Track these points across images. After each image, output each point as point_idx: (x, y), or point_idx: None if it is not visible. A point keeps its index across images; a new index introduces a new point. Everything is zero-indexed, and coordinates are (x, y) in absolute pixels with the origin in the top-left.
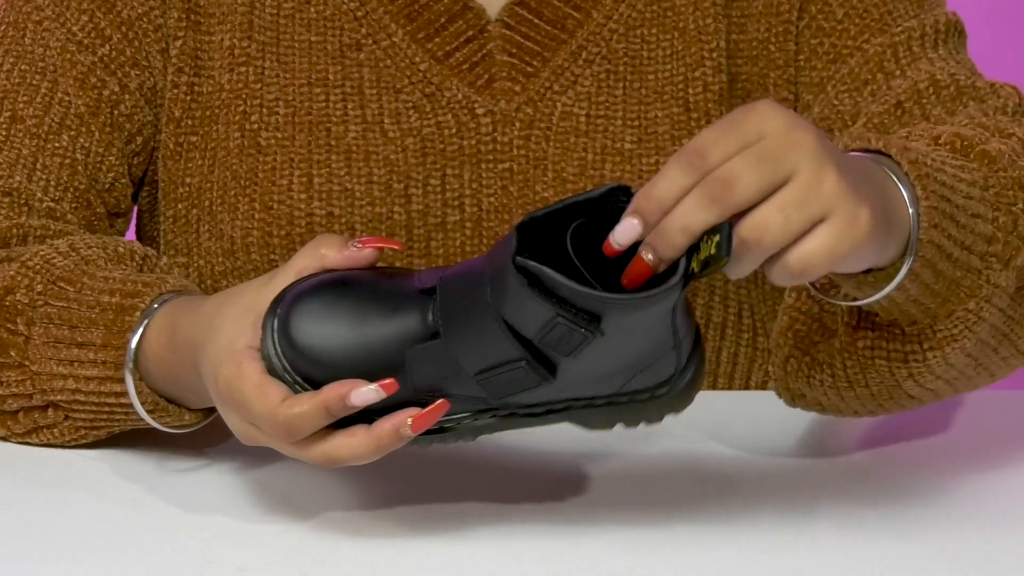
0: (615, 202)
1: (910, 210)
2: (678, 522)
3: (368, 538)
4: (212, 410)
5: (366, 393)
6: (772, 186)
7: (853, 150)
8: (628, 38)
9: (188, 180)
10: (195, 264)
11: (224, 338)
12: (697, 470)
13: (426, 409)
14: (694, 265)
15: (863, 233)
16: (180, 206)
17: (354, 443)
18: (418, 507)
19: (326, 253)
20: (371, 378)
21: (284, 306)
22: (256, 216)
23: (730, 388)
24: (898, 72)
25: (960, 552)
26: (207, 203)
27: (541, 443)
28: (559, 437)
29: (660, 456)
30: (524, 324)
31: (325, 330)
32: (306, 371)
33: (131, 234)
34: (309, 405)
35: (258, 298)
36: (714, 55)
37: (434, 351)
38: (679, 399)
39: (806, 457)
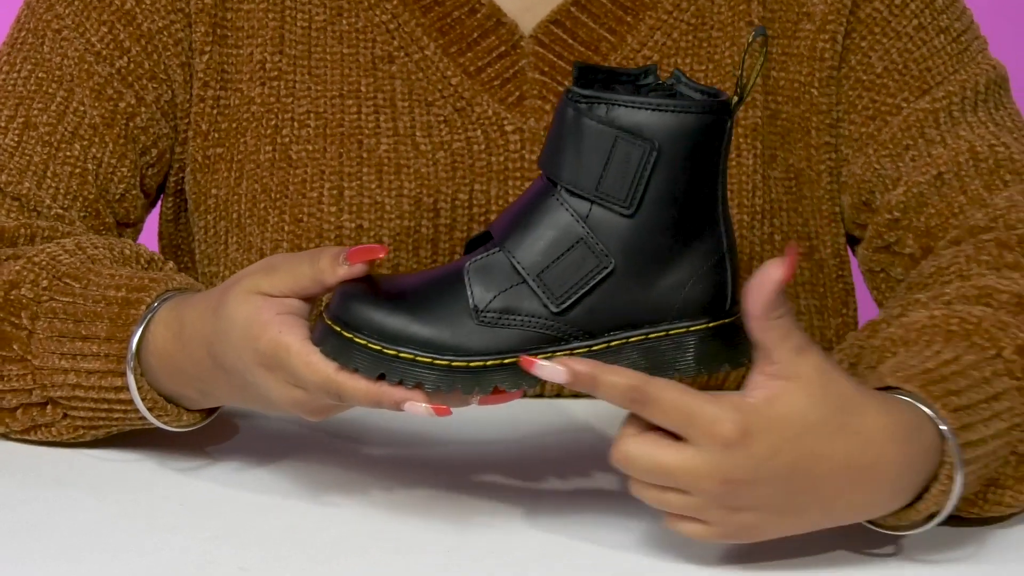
0: (646, 82)
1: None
2: None
3: (369, 538)
4: (211, 411)
5: (420, 409)
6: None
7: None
8: (662, 66)
9: (215, 192)
10: (223, 275)
11: (243, 316)
12: None
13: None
14: (744, 84)
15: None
16: (209, 217)
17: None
18: (419, 507)
19: (324, 269)
20: (430, 302)
21: (335, 303)
22: (286, 229)
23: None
24: (938, 139)
25: (960, 554)
26: (235, 215)
27: (542, 444)
28: (560, 437)
29: None
30: (584, 164)
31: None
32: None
33: (152, 243)
34: (366, 388)
35: (259, 284)
36: None
37: (492, 260)
38: (731, 336)
39: None
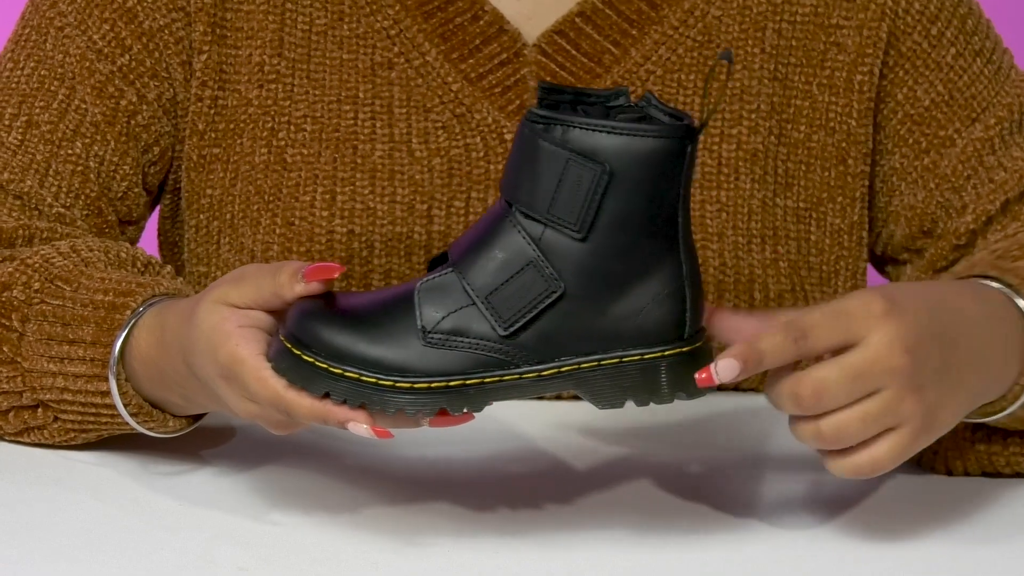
0: (616, 103)
1: None
2: (676, 523)
3: (368, 538)
4: (196, 417)
5: (362, 430)
6: (857, 399)
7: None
8: (665, 81)
9: (209, 192)
10: (213, 275)
11: (208, 326)
12: (694, 471)
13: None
14: (704, 116)
15: (933, 436)
16: (202, 216)
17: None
18: (418, 507)
19: (283, 284)
20: (380, 321)
21: (290, 319)
22: (277, 231)
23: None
24: (996, 164)
25: (960, 554)
26: (228, 216)
27: (539, 445)
28: (556, 439)
29: (658, 457)
30: (537, 186)
31: (336, 313)
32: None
33: (153, 240)
34: (311, 406)
35: (227, 295)
36: (753, 116)
37: (443, 280)
38: (685, 365)
39: (803, 456)
